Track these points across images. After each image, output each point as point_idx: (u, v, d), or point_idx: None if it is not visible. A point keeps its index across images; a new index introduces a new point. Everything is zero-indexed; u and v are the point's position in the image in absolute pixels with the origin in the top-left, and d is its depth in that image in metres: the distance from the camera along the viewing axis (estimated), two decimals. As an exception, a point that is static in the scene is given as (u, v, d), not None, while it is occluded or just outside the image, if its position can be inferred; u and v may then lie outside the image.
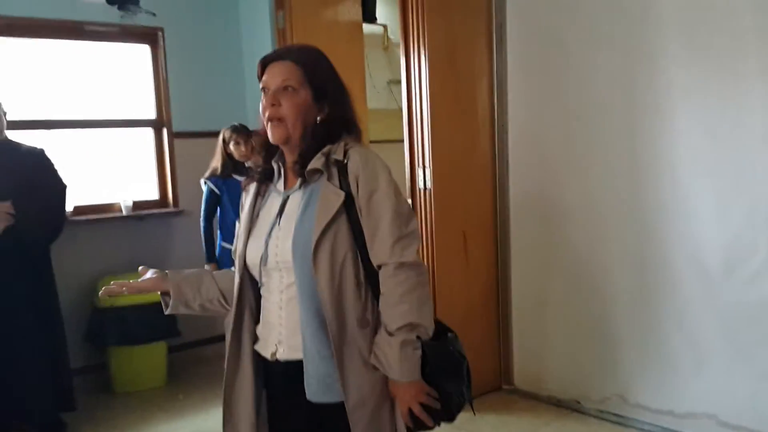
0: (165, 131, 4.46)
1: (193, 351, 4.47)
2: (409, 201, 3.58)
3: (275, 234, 1.63)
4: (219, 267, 4.01)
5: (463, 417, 3.06)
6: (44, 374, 3.40)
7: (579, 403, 3.46)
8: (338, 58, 4.79)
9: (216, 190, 3.87)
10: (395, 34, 4.19)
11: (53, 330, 3.50)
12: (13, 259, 3.30)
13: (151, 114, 4.48)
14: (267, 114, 1.61)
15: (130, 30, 4.30)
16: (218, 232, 3.97)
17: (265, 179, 1.73)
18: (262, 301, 1.69)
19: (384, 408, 1.60)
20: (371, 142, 5.54)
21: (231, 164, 3.87)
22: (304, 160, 1.62)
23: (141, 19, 4.27)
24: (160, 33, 4.40)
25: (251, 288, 1.71)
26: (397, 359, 1.54)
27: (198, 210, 3.96)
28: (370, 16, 5.58)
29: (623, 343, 3.26)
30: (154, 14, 4.32)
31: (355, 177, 1.58)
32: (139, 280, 1.73)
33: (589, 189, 3.33)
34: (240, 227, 1.74)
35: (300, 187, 1.64)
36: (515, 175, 3.68)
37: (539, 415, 3.45)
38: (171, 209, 4.45)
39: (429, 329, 1.60)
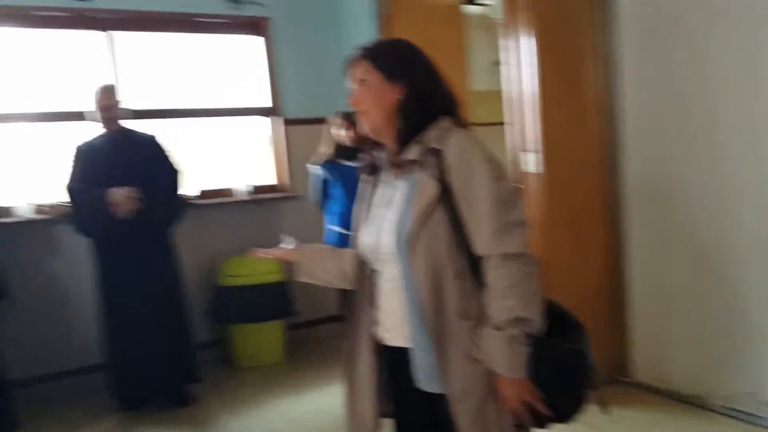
0: (278, 119, 4.57)
1: (309, 330, 4.62)
2: (520, 186, 3.49)
3: (382, 225, 1.65)
4: None
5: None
6: (171, 348, 3.65)
7: (703, 398, 3.25)
8: (438, 40, 4.75)
9: (325, 175, 3.92)
10: (499, 14, 4.07)
11: (179, 307, 3.74)
12: (141, 242, 3.54)
13: (267, 102, 4.60)
14: (356, 110, 1.68)
15: (239, 21, 4.43)
16: (328, 218, 4.04)
17: (376, 169, 1.75)
18: (379, 287, 1.71)
19: (491, 401, 1.57)
20: (475, 125, 5.44)
21: (342, 150, 3.90)
22: (400, 146, 1.63)
23: (249, 10, 4.39)
24: (267, 23, 4.49)
25: (368, 273, 1.72)
26: (501, 354, 1.51)
27: (312, 195, 4.05)
28: (471, -3, 5.44)
29: (756, 336, 3.01)
30: (261, 4, 4.41)
31: (451, 165, 1.55)
32: (282, 249, 1.85)
33: (713, 170, 3.08)
34: (357, 213, 1.78)
35: (406, 175, 1.63)
36: (629, 157, 3.46)
37: (660, 410, 3.27)
38: (286, 194, 4.59)
39: (537, 324, 1.53)
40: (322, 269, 1.82)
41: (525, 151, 3.41)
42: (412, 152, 1.59)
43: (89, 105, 3.63)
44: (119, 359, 3.63)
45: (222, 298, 4.17)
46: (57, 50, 4.03)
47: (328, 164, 3.90)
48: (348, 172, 3.86)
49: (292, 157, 4.57)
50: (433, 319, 1.55)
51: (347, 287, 1.80)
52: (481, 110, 4.57)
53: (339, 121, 3.88)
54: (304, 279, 1.84)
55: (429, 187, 1.55)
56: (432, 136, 1.59)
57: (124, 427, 3.56)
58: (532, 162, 3.40)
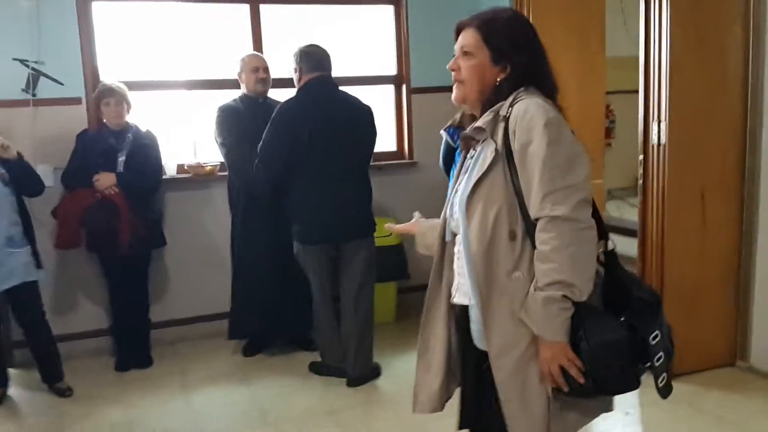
0: (404, 87, 4.72)
1: (420, 294, 4.72)
2: (640, 157, 3.40)
3: (457, 191, 1.73)
4: None
5: (686, 390, 2.95)
6: (298, 297, 3.88)
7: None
8: (578, 7, 4.65)
9: (451, 142, 3.96)
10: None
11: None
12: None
13: (392, 71, 4.76)
14: (453, 77, 1.73)
15: (377, -9, 4.60)
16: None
17: (469, 141, 1.78)
18: (454, 251, 1.79)
19: (532, 364, 1.59)
20: (610, 93, 5.26)
21: (470, 116, 3.93)
22: (479, 118, 1.69)
23: (386, -20, 4.55)
24: (403, -8, 4.62)
25: (447, 239, 1.80)
26: (540, 316, 1.53)
27: (433, 162, 4.13)
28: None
29: None
30: (397, -26, 4.56)
31: (513, 130, 1.59)
32: (407, 224, 2.03)
33: None
34: (450, 186, 1.85)
35: (481, 145, 1.69)
36: (769, 132, 3.28)
37: (774, 398, 3.13)
38: (406, 161, 4.73)
39: (583, 290, 1.53)
40: (435, 243, 1.86)
41: (653, 120, 3.32)
42: (482, 120, 1.65)
43: (234, 71, 3.95)
44: (247, 305, 3.95)
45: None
46: (204, 22, 4.38)
47: (451, 129, 3.95)
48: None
49: (415, 124, 4.70)
50: (482, 277, 1.60)
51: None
52: (619, 77, 4.44)
53: None
54: (422, 251, 1.96)
55: (489, 153, 1.61)
56: (505, 104, 1.64)
57: (251, 368, 3.92)
58: (656, 132, 3.31)
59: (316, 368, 3.76)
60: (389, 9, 4.71)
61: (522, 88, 1.65)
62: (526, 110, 1.58)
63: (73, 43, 3.96)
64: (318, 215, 3.43)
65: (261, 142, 3.43)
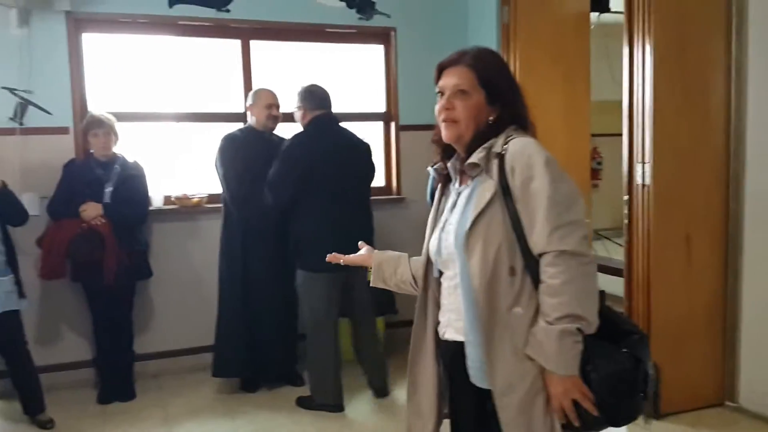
0: (392, 124, 4.77)
1: (408, 329, 4.71)
2: (625, 197, 3.45)
3: (447, 228, 1.74)
4: None
5: (675, 430, 2.95)
6: (287, 335, 3.99)
7: (815, 431, 3.07)
8: (563, 49, 4.77)
9: (438, 178, 4.04)
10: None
11: (292, 299, 3.97)
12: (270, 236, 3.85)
13: (381, 108, 4.81)
14: (442, 116, 1.71)
15: (366, 31, 4.67)
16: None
17: (448, 179, 1.82)
18: (442, 288, 1.79)
19: (537, 400, 1.58)
20: (596, 135, 5.37)
21: (441, 153, 4.03)
22: (468, 154, 1.70)
23: (376, 21, 4.63)
24: (392, 33, 4.71)
25: (434, 276, 1.81)
26: (554, 350, 1.53)
27: (420, 197, 4.18)
28: (602, 6, 5.41)
29: None
30: (388, 15, 4.65)
31: (511, 167, 1.61)
32: (358, 255, 2.02)
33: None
34: (428, 221, 1.86)
35: (471, 181, 1.71)
36: (754, 174, 3.34)
37: (764, 439, 3.13)
38: (394, 196, 4.76)
39: (592, 323, 1.56)
40: (394, 276, 1.93)
41: (638, 162, 3.38)
42: (476, 156, 1.66)
43: (240, 105, 4.01)
44: (233, 343, 3.88)
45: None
46: (196, 56, 4.42)
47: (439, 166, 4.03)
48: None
49: (402, 161, 4.75)
50: (484, 313, 1.60)
51: (416, 291, 1.89)
52: (606, 120, 4.52)
53: None
54: (378, 285, 1.97)
55: (487, 188, 1.63)
56: (497, 141, 1.67)
57: (235, 403, 3.85)
58: (640, 173, 3.36)
59: (305, 403, 3.72)
60: (379, 48, 4.79)
61: (512, 127, 1.69)
62: (524, 148, 1.62)
63: (62, 73, 3.97)
64: (330, 243, 3.44)
65: (272, 171, 3.53)
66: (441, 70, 1.75)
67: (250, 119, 3.97)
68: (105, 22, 4.09)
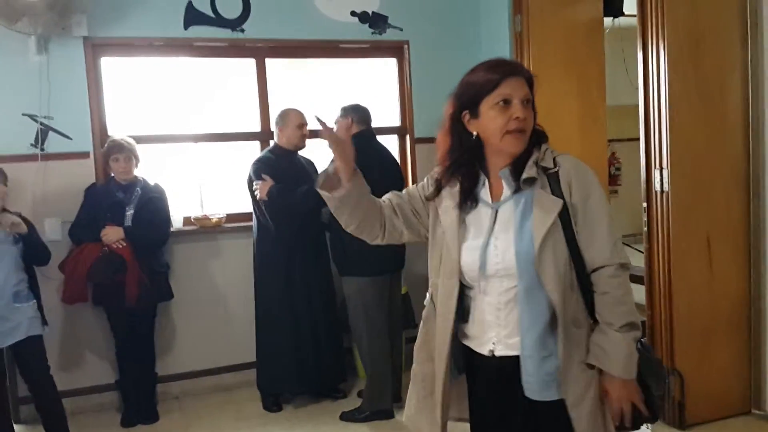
0: (407, 137, 4.78)
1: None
2: (644, 204, 3.42)
3: (494, 243, 1.70)
4: None
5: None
6: (335, 348, 4.11)
7: None
8: (577, 56, 4.74)
9: None
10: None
11: (333, 312, 4.12)
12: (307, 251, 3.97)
13: (396, 121, 4.82)
14: (515, 126, 1.66)
15: (380, 45, 4.69)
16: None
17: (468, 190, 1.76)
18: (474, 302, 1.77)
19: (599, 406, 1.66)
20: (613, 140, 5.34)
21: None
22: (514, 165, 1.70)
23: (389, 35, 4.64)
24: (405, 46, 4.72)
25: (460, 289, 1.77)
26: (624, 356, 1.61)
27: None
28: (616, 10, 5.37)
29: None
30: (401, 29, 4.67)
31: (567, 184, 1.66)
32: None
33: None
34: (446, 235, 1.76)
35: (513, 194, 1.70)
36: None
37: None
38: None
39: (641, 329, 1.68)
40: (365, 202, 1.83)
41: (656, 168, 3.35)
42: (532, 171, 1.67)
43: (257, 124, 4.06)
44: (280, 355, 3.92)
45: (344, 308, 4.36)
46: (213, 76, 4.47)
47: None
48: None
49: (418, 174, 4.74)
50: (562, 328, 1.63)
51: (374, 234, 1.86)
52: (623, 125, 4.50)
53: None
54: (343, 199, 1.78)
55: (552, 203, 1.64)
56: (542, 156, 1.70)
57: (254, 421, 3.85)
58: (658, 179, 3.33)
59: (353, 416, 3.75)
60: (392, 62, 4.80)
61: (545, 143, 1.74)
62: (577, 166, 1.70)
63: (81, 98, 4.02)
64: (385, 248, 3.59)
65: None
66: (502, 77, 1.68)
67: (280, 139, 4.00)
68: (122, 46, 4.15)
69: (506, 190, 1.71)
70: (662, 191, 3.32)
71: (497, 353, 1.73)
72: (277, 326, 3.92)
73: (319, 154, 4.23)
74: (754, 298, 3.40)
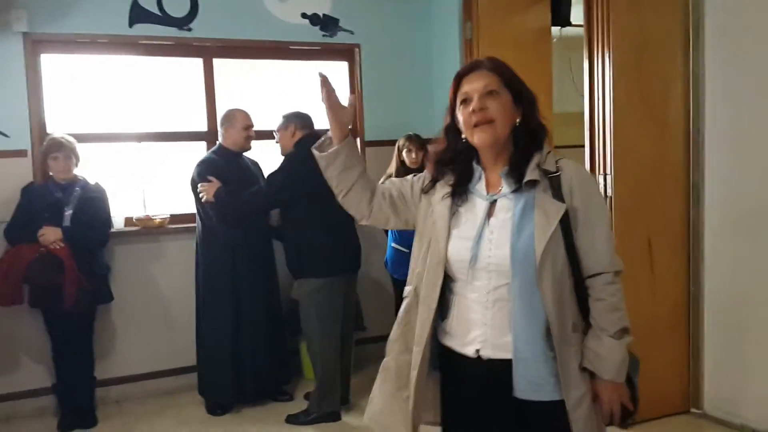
0: (358, 140, 4.76)
1: (376, 346, 4.69)
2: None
3: (487, 237, 1.69)
4: (387, 268, 4.25)
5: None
6: (278, 350, 4.06)
7: (779, 435, 3.10)
8: (526, 64, 4.79)
9: None
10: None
11: (278, 314, 4.10)
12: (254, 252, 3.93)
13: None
14: (474, 119, 1.69)
15: (331, 48, 4.67)
16: (389, 234, 4.21)
17: (462, 182, 1.77)
18: (458, 297, 1.74)
19: (593, 408, 1.69)
20: (560, 147, 5.44)
21: (403, 170, 4.13)
22: (515, 165, 1.70)
23: (340, 38, 4.63)
24: (357, 49, 4.71)
25: (442, 283, 1.74)
26: (618, 361, 1.65)
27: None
28: (564, 20, 5.48)
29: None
30: (352, 32, 4.66)
31: (569, 188, 1.66)
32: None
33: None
34: (437, 225, 1.75)
35: (511, 193, 1.69)
36: (712, 183, 3.41)
37: (730, 445, 3.16)
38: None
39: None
40: (354, 174, 1.82)
41: (599, 173, 3.41)
42: (534, 174, 1.67)
43: (203, 124, 3.99)
44: (222, 358, 3.84)
45: (294, 310, 4.32)
46: (158, 75, 4.38)
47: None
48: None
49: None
50: (558, 330, 1.63)
51: (355, 210, 1.86)
52: (570, 132, 4.58)
53: (405, 142, 4.17)
54: (337, 156, 1.79)
55: (555, 208, 1.64)
56: (544, 159, 1.70)
57: (195, 426, 3.76)
58: (602, 185, 3.39)
59: (299, 419, 3.70)
60: (343, 65, 4.79)
61: (546, 145, 1.74)
62: (579, 171, 1.72)
63: (19, 94, 3.89)
64: (342, 248, 3.71)
65: (277, 177, 3.62)
66: (459, 79, 1.75)
67: (225, 140, 3.93)
68: (64, 43, 4.02)
69: (505, 187, 1.71)
70: (606, 196, 3.39)
71: (484, 355, 1.69)
72: (220, 331, 3.83)
73: (265, 155, 4.19)
74: (693, 300, 3.50)
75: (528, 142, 1.71)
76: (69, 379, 3.75)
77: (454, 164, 1.78)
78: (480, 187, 1.75)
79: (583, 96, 3.52)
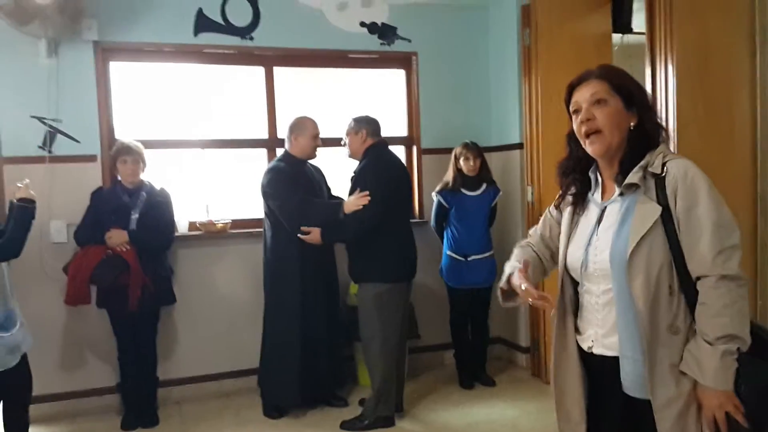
0: (415, 148, 4.79)
1: (430, 354, 4.70)
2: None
3: (594, 243, 1.77)
4: (442, 276, 4.24)
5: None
6: (339, 356, 4.18)
7: None
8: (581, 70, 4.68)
9: (444, 203, 4.18)
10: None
11: (338, 322, 4.15)
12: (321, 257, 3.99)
13: (403, 132, 4.83)
14: (584, 129, 1.75)
15: (388, 56, 4.71)
16: (444, 243, 4.22)
17: (583, 191, 1.86)
18: (582, 298, 1.86)
19: (690, 413, 1.66)
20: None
21: (460, 179, 4.12)
22: (624, 169, 1.73)
23: (397, 46, 4.67)
24: (414, 57, 4.74)
25: (571, 285, 1.89)
26: (713, 367, 1.60)
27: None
28: (625, 27, 5.38)
29: None
30: (409, 40, 4.69)
31: (673, 190, 1.65)
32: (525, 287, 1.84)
33: None
34: (561, 233, 1.91)
35: (619, 197, 1.74)
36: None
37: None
38: (417, 219, 4.74)
39: (747, 342, 1.63)
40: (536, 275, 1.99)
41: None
42: (635, 177, 1.69)
43: (264, 131, 4.12)
44: (289, 363, 3.88)
45: (350, 316, 4.35)
46: (221, 83, 4.49)
47: (444, 191, 4.21)
48: (461, 200, 4.16)
49: (424, 184, 4.74)
50: (647, 331, 1.65)
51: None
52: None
53: (462, 150, 4.18)
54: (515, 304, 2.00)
55: (651, 210, 1.65)
56: (653, 161, 1.69)
57: (254, 427, 3.83)
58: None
59: (354, 425, 3.72)
60: (400, 73, 4.83)
61: (661, 144, 1.73)
62: (686, 172, 1.67)
63: (90, 101, 4.04)
64: (404, 253, 3.76)
65: (376, 194, 3.56)
66: (571, 90, 1.80)
67: (292, 148, 3.96)
68: (132, 51, 4.18)
69: (616, 192, 1.76)
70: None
71: (595, 351, 1.80)
72: (288, 334, 3.87)
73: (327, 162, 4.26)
74: (760, 315, 3.37)
75: (639, 145, 1.72)
76: (133, 379, 3.87)
77: (575, 173, 1.86)
78: (597, 194, 1.83)
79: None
